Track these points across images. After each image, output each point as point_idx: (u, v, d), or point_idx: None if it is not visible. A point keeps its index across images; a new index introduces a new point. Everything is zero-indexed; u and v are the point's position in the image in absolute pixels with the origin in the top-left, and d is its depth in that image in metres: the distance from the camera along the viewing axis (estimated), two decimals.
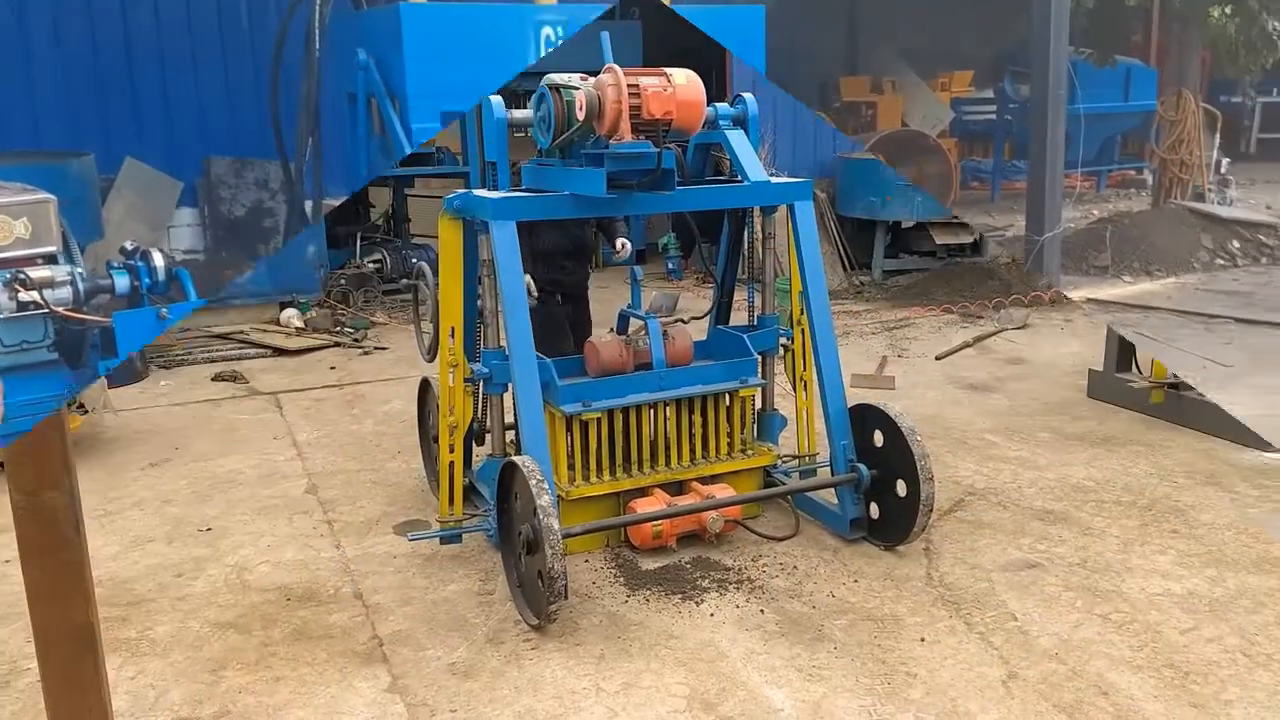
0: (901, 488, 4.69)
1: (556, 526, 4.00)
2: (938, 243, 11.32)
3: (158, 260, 6.28)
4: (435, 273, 4.94)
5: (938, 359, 8.27)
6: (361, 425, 6.98)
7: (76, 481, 2.42)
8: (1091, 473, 5.72)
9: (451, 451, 4.89)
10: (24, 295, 5.71)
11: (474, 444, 5.35)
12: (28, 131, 9.78)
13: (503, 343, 4.73)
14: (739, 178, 4.94)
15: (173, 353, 8.89)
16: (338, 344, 9.23)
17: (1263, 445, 5.87)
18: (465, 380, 4.88)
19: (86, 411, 6.27)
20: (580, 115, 4.37)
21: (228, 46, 10.67)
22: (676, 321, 5.44)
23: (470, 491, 5.30)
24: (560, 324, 5.92)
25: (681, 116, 4.42)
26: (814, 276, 4.97)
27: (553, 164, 4.81)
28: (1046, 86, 10.34)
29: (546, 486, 4.10)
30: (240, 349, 9.04)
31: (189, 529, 5.32)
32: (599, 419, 4.81)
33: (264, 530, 5.29)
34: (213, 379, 8.23)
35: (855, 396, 5.09)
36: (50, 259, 5.98)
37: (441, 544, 4.94)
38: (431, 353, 5.13)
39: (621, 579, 4.64)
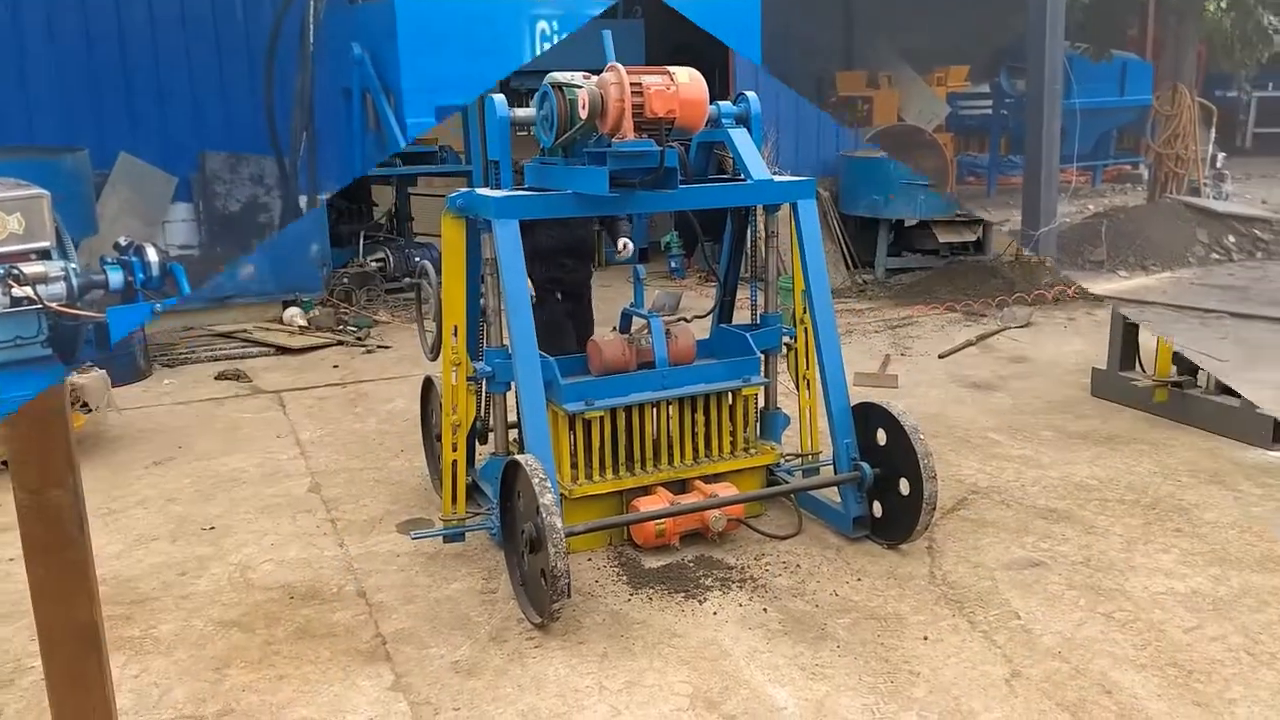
0: (904, 486, 4.70)
1: (559, 525, 4.00)
2: (941, 241, 11.32)
3: (152, 255, 6.25)
4: (438, 271, 4.93)
5: (941, 357, 8.28)
6: (364, 424, 6.98)
7: (80, 480, 2.42)
8: (1095, 471, 5.73)
9: (454, 450, 4.88)
10: (17, 291, 5.68)
11: (477, 442, 5.34)
12: (21, 126, 9.72)
13: (506, 341, 4.73)
14: (742, 176, 4.93)
15: (176, 351, 8.89)
16: (341, 343, 9.23)
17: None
18: (468, 379, 4.88)
19: (91, 410, 6.24)
20: (583, 114, 4.37)
21: (222, 41, 10.61)
22: (679, 320, 5.44)
23: (473, 490, 5.30)
24: (560, 322, 5.92)
25: (684, 115, 4.41)
26: (817, 275, 4.97)
27: (555, 163, 4.80)
28: (1042, 81, 10.36)
29: (549, 485, 4.10)
30: (243, 348, 9.05)
31: (192, 527, 5.32)
32: (602, 417, 4.81)
33: (267, 529, 5.28)
34: (216, 378, 8.22)
35: (858, 395, 5.09)
36: (44, 254, 5.95)
37: (444, 542, 4.94)
38: (434, 351, 5.12)
39: (624, 577, 4.64)
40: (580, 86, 4.40)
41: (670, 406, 5.00)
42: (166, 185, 10.35)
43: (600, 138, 4.45)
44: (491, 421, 5.09)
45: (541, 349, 4.59)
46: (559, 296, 5.93)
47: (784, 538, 4.99)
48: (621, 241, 5.72)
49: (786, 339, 5.30)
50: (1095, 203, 14.86)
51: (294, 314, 9.83)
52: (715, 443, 5.10)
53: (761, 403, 5.37)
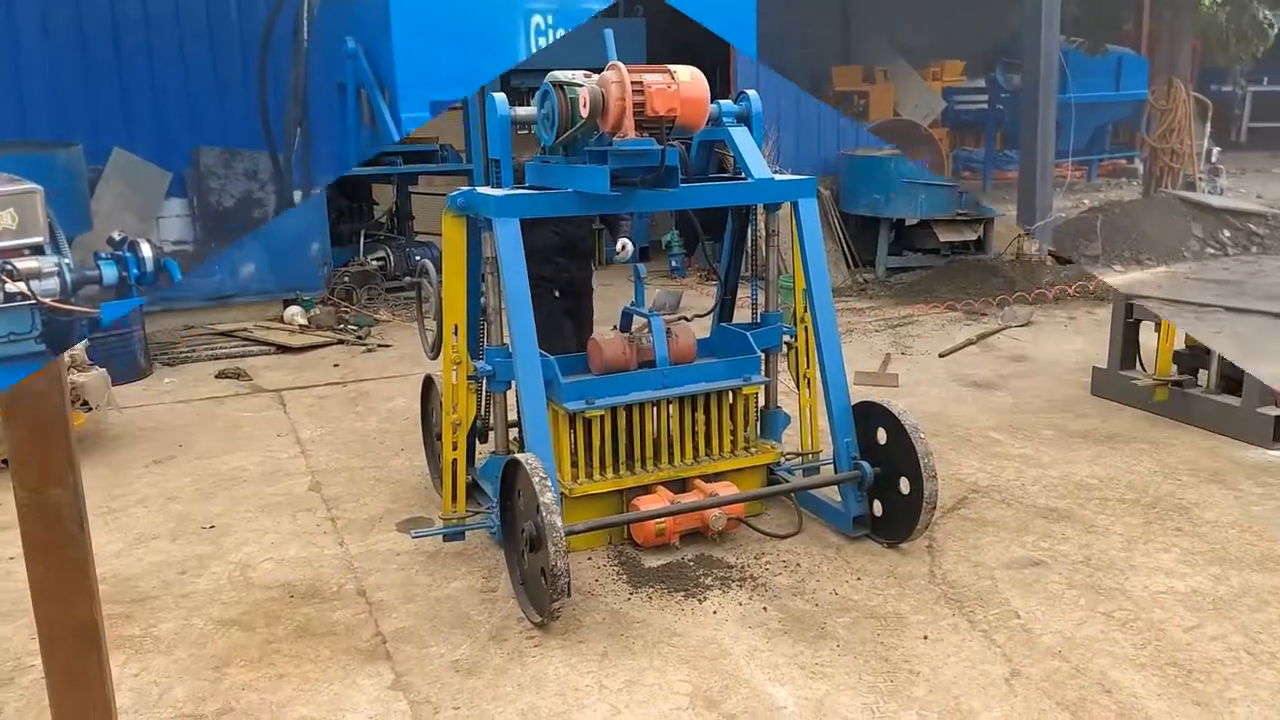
0: (905, 485, 4.70)
1: (559, 524, 4.00)
2: (941, 240, 11.32)
3: (146, 251, 6.25)
4: (439, 270, 4.93)
5: (941, 356, 8.28)
6: (365, 423, 6.97)
7: (80, 479, 2.42)
8: (1095, 470, 5.74)
9: (455, 449, 4.88)
10: (11, 286, 5.68)
11: (477, 441, 5.34)
12: (15, 122, 9.69)
13: (506, 340, 4.72)
14: (743, 175, 4.93)
15: (176, 350, 8.88)
16: (341, 341, 9.22)
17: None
18: (469, 378, 4.87)
19: (91, 409, 6.23)
20: (584, 112, 4.36)
21: (216, 36, 10.59)
22: (680, 319, 5.44)
23: (473, 489, 5.30)
24: (558, 320, 5.91)
25: (685, 114, 4.41)
26: (817, 274, 4.97)
27: (556, 161, 4.79)
28: (1038, 76, 10.36)
29: (550, 484, 4.10)
30: (244, 346, 9.03)
31: (193, 526, 5.31)
32: (602, 416, 4.81)
33: (267, 527, 5.28)
34: (216, 376, 8.20)
35: (859, 394, 5.09)
36: (37, 250, 5.94)
37: (445, 541, 4.93)
38: (435, 350, 5.12)
39: (624, 576, 4.64)
40: (581, 85, 4.39)
41: (671, 405, 5.00)
42: (160, 180, 10.32)
43: (601, 136, 4.45)
44: (492, 420, 5.09)
45: (539, 347, 4.59)
46: (556, 294, 5.91)
47: (784, 537, 4.99)
48: (621, 243, 5.71)
49: (787, 338, 5.30)
50: (1091, 197, 14.87)
51: (294, 313, 9.82)
52: (715, 442, 5.10)
53: (762, 402, 5.37)
